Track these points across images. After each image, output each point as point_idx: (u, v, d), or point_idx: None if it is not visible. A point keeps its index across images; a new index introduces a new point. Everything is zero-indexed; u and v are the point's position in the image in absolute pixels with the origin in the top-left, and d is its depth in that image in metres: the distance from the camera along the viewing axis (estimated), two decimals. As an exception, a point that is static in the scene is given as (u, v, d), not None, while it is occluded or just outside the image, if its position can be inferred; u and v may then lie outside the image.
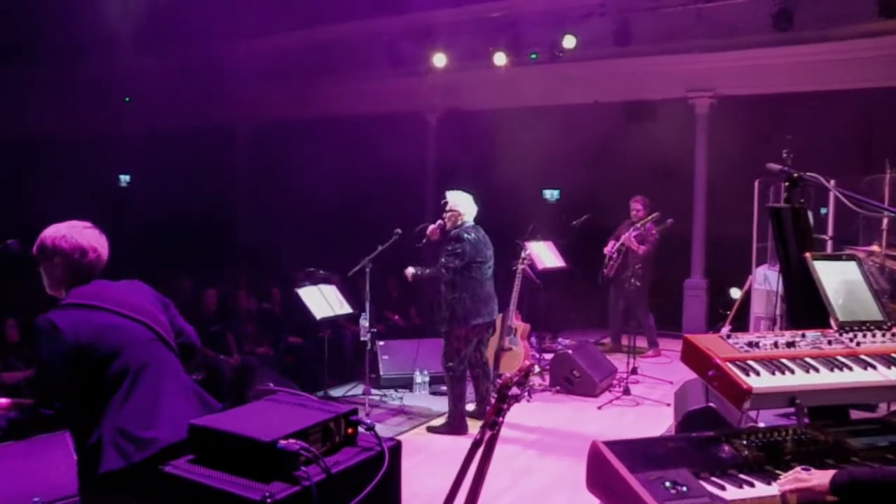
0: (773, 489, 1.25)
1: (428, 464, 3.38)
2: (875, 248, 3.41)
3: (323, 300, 4.49)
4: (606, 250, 5.61)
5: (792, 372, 1.44)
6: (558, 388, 4.62)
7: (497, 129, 6.92)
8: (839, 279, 1.65)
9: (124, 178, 10.20)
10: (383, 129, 7.54)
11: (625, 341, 5.52)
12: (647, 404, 4.38)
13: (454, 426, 3.76)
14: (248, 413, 1.48)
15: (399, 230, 4.05)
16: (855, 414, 1.59)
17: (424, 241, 3.92)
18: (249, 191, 9.38)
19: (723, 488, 1.26)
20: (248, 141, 9.50)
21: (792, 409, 1.39)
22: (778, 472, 1.30)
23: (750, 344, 1.53)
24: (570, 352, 4.72)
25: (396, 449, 1.49)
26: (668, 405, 4.12)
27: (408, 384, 4.73)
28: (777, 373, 1.43)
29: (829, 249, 3.81)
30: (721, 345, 1.51)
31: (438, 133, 8.15)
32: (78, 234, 1.74)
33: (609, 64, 6.73)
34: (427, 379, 4.72)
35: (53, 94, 8.06)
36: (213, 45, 7.79)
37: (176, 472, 1.31)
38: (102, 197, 7.69)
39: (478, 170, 6.81)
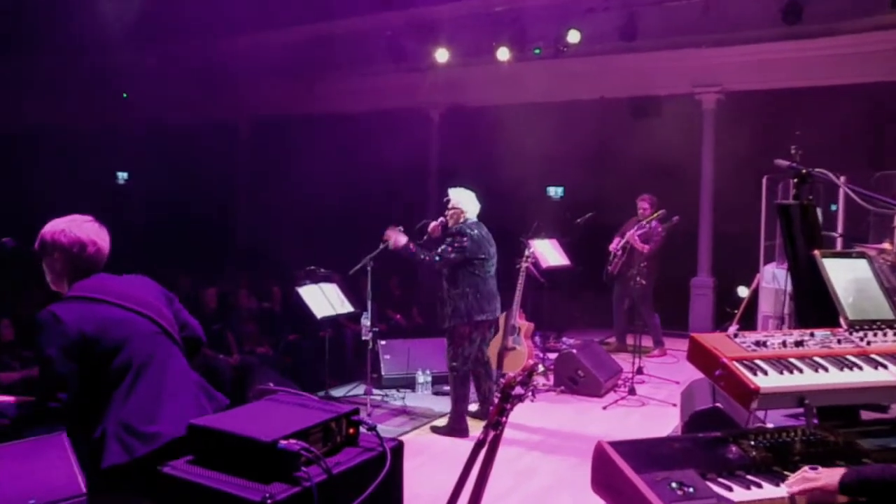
0: (782, 490, 1.25)
1: (430, 464, 3.38)
2: (886, 245, 3.39)
3: (324, 299, 4.50)
4: (611, 247, 5.60)
5: (800, 371, 1.43)
6: (562, 388, 4.62)
7: (500, 125, 6.90)
8: (849, 277, 1.64)
9: (122, 175, 10.19)
10: (385, 125, 7.53)
11: (630, 340, 5.52)
12: (653, 404, 4.38)
13: (455, 428, 3.77)
14: (248, 413, 1.48)
15: (401, 228, 4.04)
16: (865, 415, 1.58)
17: (426, 237, 3.91)
18: (250, 188, 9.39)
19: (730, 489, 1.25)
20: (249, 137, 9.52)
21: (801, 410, 1.38)
22: (786, 473, 1.29)
23: (757, 343, 1.52)
24: (574, 351, 4.72)
25: (398, 449, 1.49)
26: (675, 405, 4.13)
27: (410, 384, 4.74)
28: (785, 372, 1.43)
29: (838, 247, 3.79)
30: (728, 344, 1.51)
31: (441, 129, 8.14)
32: (77, 227, 1.75)
33: (614, 59, 6.71)
34: (429, 379, 4.72)
35: (49, 87, 8.02)
36: (213, 39, 7.79)
37: (175, 472, 1.32)
38: (100, 194, 7.69)
39: (481, 167, 6.80)
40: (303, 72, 8.19)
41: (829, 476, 1.20)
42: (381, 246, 3.88)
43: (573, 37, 6.39)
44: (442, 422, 3.95)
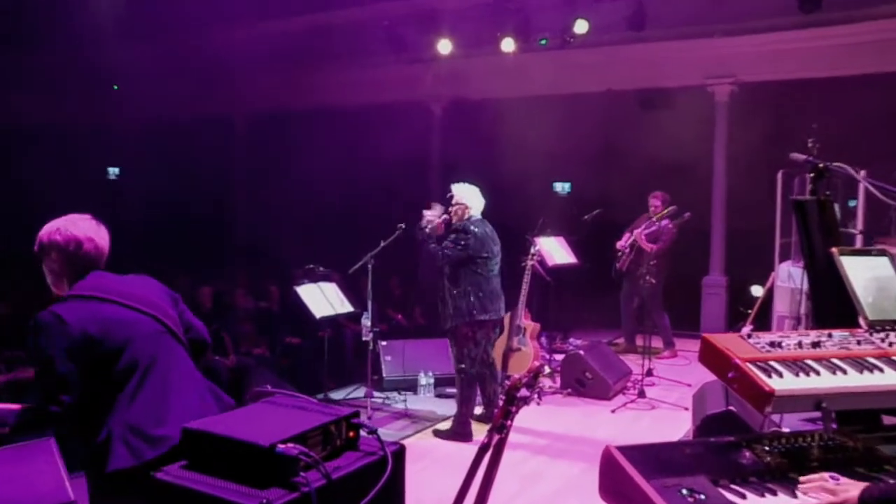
0: (798, 499, 1.24)
1: (433, 469, 3.39)
2: (908, 242, 3.37)
3: (323, 298, 4.50)
4: (619, 244, 5.58)
5: (817, 373, 1.42)
6: (569, 390, 4.62)
7: (505, 118, 6.89)
8: (869, 275, 1.63)
9: (113, 171, 10.15)
10: (386, 119, 7.53)
11: (639, 341, 5.51)
12: (664, 408, 4.37)
13: (458, 432, 3.77)
14: (244, 416, 1.48)
15: (402, 225, 4.05)
16: (887, 419, 1.57)
17: (429, 235, 3.90)
18: (246, 184, 9.41)
19: (743, 496, 1.25)
20: (246, 132, 9.53)
21: (818, 414, 1.37)
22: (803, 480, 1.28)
23: (772, 344, 1.51)
24: (581, 352, 4.72)
25: (400, 453, 1.48)
26: (686, 409, 4.11)
27: (412, 386, 4.74)
28: (801, 374, 1.41)
29: (858, 244, 3.76)
30: (741, 344, 1.50)
31: (443, 123, 8.13)
32: (72, 225, 1.76)
33: (623, 50, 6.68)
34: (432, 381, 4.73)
35: (40, 82, 8.02)
36: (207, 31, 7.79)
37: (168, 478, 1.32)
38: (90, 190, 7.68)
39: (484, 162, 6.79)
40: (300, 64, 8.19)
41: (846, 491, 1.19)
42: (397, 232, 3.88)
43: (580, 27, 6.36)
44: (445, 425, 3.94)
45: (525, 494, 3.13)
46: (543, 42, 6.72)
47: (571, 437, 3.91)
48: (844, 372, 1.43)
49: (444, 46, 6.97)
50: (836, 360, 1.46)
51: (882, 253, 1.70)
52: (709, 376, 1.82)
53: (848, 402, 1.41)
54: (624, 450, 1.30)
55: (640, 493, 1.21)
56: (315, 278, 4.78)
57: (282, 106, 8.62)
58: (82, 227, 1.76)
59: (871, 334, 1.55)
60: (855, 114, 5.44)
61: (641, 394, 4.49)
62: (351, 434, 1.45)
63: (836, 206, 1.85)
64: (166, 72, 7.76)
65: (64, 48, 7.45)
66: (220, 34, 7.91)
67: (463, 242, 3.66)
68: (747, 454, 1.33)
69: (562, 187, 7.77)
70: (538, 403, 4.28)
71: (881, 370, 1.44)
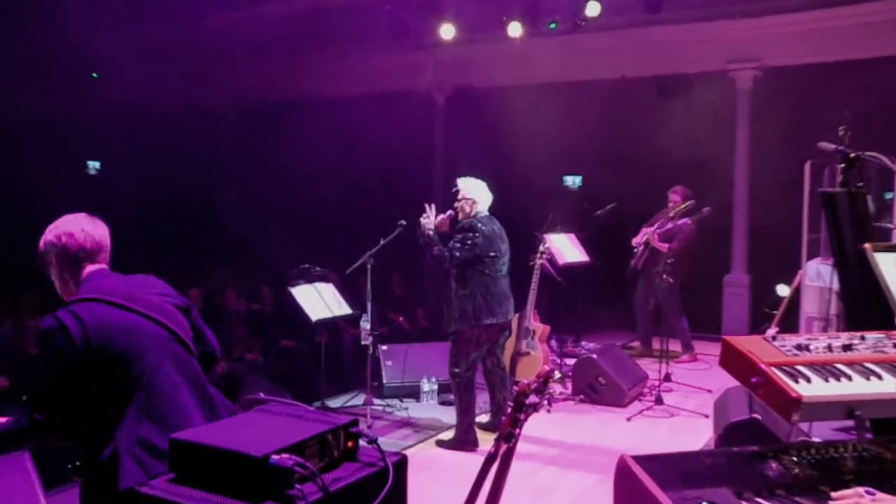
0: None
1: (437, 481, 3.39)
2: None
3: (319, 300, 4.51)
4: (634, 241, 5.56)
5: (849, 378, 1.40)
6: (582, 396, 4.62)
7: (512, 108, 6.87)
8: (904, 273, 1.61)
9: (93, 165, 10.13)
10: (385, 109, 7.52)
11: (656, 345, 5.49)
12: (683, 415, 4.36)
13: (463, 440, 3.77)
14: (236, 425, 1.49)
15: (403, 222, 4.05)
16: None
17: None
18: (237, 179, 9.42)
19: (769, 510, 1.24)
20: (236, 123, 9.54)
21: (851, 423, 1.35)
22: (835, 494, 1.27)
23: (799, 347, 1.50)
24: (594, 356, 4.71)
25: (402, 464, 1.48)
26: (707, 416, 4.11)
27: (414, 393, 4.75)
28: (832, 379, 1.40)
29: (894, 240, 3.73)
30: (766, 348, 1.48)
31: (447, 113, 8.12)
32: (64, 222, 1.77)
33: (638, 33, 6.64)
34: (435, 387, 4.73)
35: (6, 67, 7.76)
36: (194, 16, 7.78)
37: (155, 492, 1.32)
38: (68, 186, 7.66)
39: (490, 154, 6.78)
40: (294, 51, 8.19)
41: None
42: (398, 229, 3.88)
43: (592, 9, 6.33)
44: (449, 434, 3.95)
45: (535, 508, 3.14)
46: (553, 26, 6.70)
47: (584, 446, 3.91)
48: (879, 377, 1.42)
49: (447, 32, 6.95)
50: (869, 365, 1.45)
51: (919, 249, 1.69)
52: (731, 382, 1.81)
53: (883, 410, 1.40)
54: (640, 460, 1.29)
55: (658, 506, 1.20)
56: (311, 278, 4.79)
57: (274, 95, 8.62)
58: (73, 222, 1.77)
59: (906, 336, 1.54)
60: (890, 98, 5.38)
61: (659, 400, 4.49)
62: (350, 444, 1.44)
63: (870, 199, 1.83)
64: (149, 58, 7.69)
65: (37, 32, 7.37)
66: (209, 17, 7.90)
67: (470, 242, 3.65)
68: (774, 465, 1.32)
69: (572, 181, 7.76)
70: (548, 411, 4.20)
71: (918, 375, 1.43)
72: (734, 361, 1.47)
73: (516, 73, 7.09)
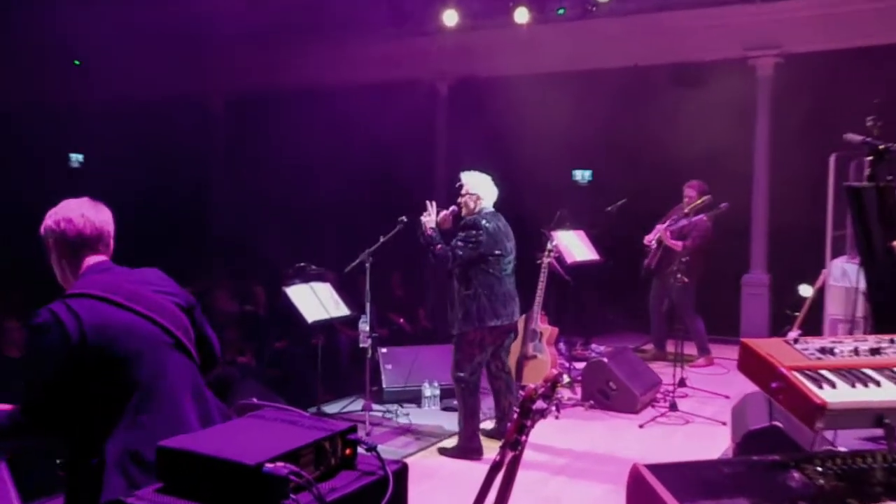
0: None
1: (439, 490, 3.39)
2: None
3: (315, 300, 4.52)
4: (647, 239, 5.55)
5: (877, 384, 1.40)
6: (592, 402, 4.62)
7: (518, 99, 6.86)
8: (935, 272, 1.60)
9: (76, 158, 10.09)
10: (385, 100, 7.52)
11: (670, 348, 5.48)
12: (699, 422, 4.35)
13: (465, 449, 3.77)
14: (227, 432, 1.48)
15: (404, 218, 4.05)
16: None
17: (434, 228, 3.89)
18: (228, 173, 9.42)
19: (792, 523, 1.23)
20: (226, 115, 9.55)
21: (880, 432, 1.34)
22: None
23: (823, 350, 1.49)
24: (605, 360, 4.71)
25: (402, 473, 1.48)
26: (724, 423, 4.10)
27: (415, 398, 4.75)
28: (858, 385, 1.40)
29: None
30: (787, 351, 1.48)
31: (450, 104, 8.12)
32: (62, 208, 1.76)
33: (651, 19, 6.62)
34: (437, 392, 4.74)
35: None
36: (181, 0, 7.75)
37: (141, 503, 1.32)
38: (50, 179, 7.66)
39: (496, 147, 6.77)
40: (288, 38, 8.18)
41: None
42: (399, 226, 3.88)
43: (603, -7, 6.32)
44: (452, 442, 3.95)
45: (542, 519, 3.14)
46: (561, 11, 6.68)
47: (594, 454, 3.91)
48: (908, 382, 1.41)
49: (450, 18, 6.94)
50: (897, 369, 1.44)
51: (951, 247, 1.67)
52: (750, 387, 1.81)
53: (913, 417, 1.39)
54: (654, 469, 1.29)
55: (672, 518, 1.20)
56: (306, 278, 4.80)
57: (267, 85, 8.62)
58: (72, 207, 1.76)
59: (938, 339, 1.53)
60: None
61: (673, 407, 4.48)
62: (347, 451, 1.44)
63: (899, 194, 1.82)
64: (135, 45, 7.62)
65: (14, 15, 7.35)
66: (198, 1, 7.89)
67: (474, 240, 3.65)
68: (796, 476, 1.31)
69: (582, 175, 7.74)
70: (556, 417, 4.28)
71: (950, 380, 1.42)
72: (753, 365, 1.47)
73: (523, 62, 7.08)
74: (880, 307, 1.74)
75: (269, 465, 1.26)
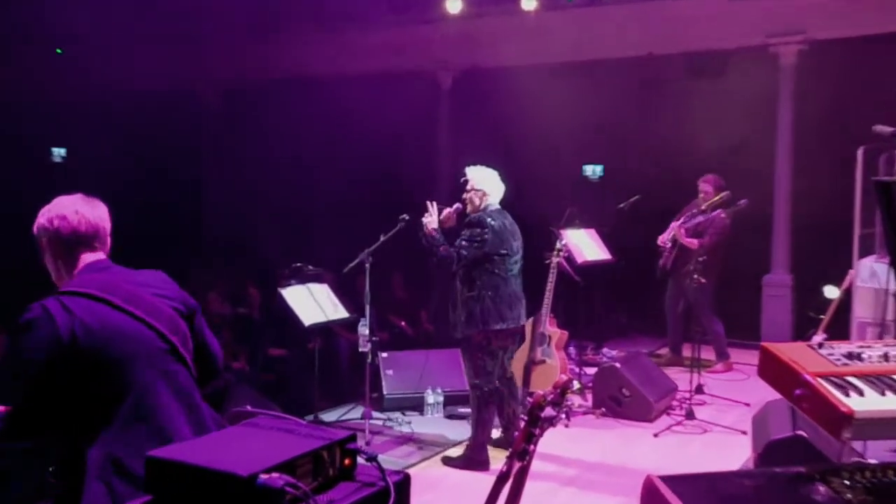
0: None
1: (443, 502, 3.40)
2: None
3: (312, 302, 4.53)
4: (660, 239, 5.53)
5: (907, 391, 1.38)
6: (603, 410, 4.61)
7: (525, 90, 6.85)
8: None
9: (59, 152, 10.06)
10: (385, 91, 7.53)
11: (687, 352, 5.47)
12: (717, 431, 4.34)
13: (473, 459, 3.77)
14: (219, 441, 1.48)
15: (406, 216, 4.05)
16: None
17: (437, 226, 3.89)
18: (221, 168, 9.44)
19: (817, 539, 1.22)
20: (217, 107, 9.57)
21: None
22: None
23: (850, 355, 1.49)
24: (617, 365, 4.70)
25: (404, 484, 1.48)
26: (744, 433, 4.09)
27: (417, 405, 4.75)
28: (889, 393, 1.39)
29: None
30: (811, 356, 1.47)
31: (453, 96, 8.12)
32: (55, 205, 1.77)
33: (665, 5, 6.60)
34: (441, 399, 4.74)
35: None
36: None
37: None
38: (29, 175, 7.64)
39: (502, 141, 6.77)
40: (284, 26, 8.20)
41: None
42: (400, 224, 3.87)
43: (615, -22, 6.30)
44: (456, 451, 3.95)
45: (551, 533, 3.14)
46: (571, -3, 6.68)
47: (606, 465, 3.90)
48: (941, 389, 1.40)
49: (454, 5, 6.95)
50: (930, 376, 1.43)
51: None
52: (772, 394, 1.80)
53: (946, 427, 1.38)
54: (669, 480, 1.28)
55: (690, 533, 1.20)
56: (303, 279, 4.80)
57: (263, 75, 8.64)
58: (66, 204, 1.76)
59: (972, 343, 1.52)
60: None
61: (690, 415, 4.47)
62: (346, 461, 1.44)
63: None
64: (122, 33, 7.63)
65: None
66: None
67: (479, 238, 3.65)
68: (822, 489, 1.31)
69: (592, 170, 7.73)
70: (566, 425, 4.27)
71: None
72: (775, 371, 1.46)
73: (530, 51, 7.07)
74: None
75: (263, 477, 1.26)
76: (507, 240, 3.75)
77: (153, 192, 8.18)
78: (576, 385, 4.89)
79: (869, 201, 4.38)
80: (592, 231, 5.47)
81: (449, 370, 4.76)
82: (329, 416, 4.65)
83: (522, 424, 1.70)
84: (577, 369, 5.21)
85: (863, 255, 4.67)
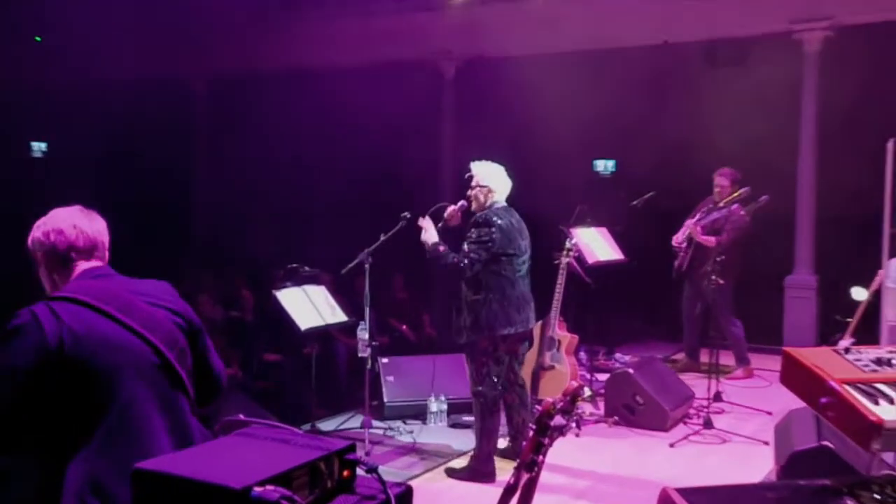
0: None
1: (446, 517, 3.41)
2: None
3: (309, 305, 4.53)
4: (675, 239, 5.51)
5: (941, 399, 1.38)
6: (616, 418, 4.61)
7: (533, 81, 6.84)
8: None
9: (39, 147, 10.07)
10: (385, 82, 7.54)
11: (704, 357, 5.46)
12: (737, 441, 4.34)
13: (478, 470, 3.77)
14: (211, 452, 1.49)
15: (407, 214, 4.05)
16: None
17: (441, 225, 3.90)
18: (211, 163, 9.47)
19: (844, 555, 1.22)
20: (209, 99, 9.59)
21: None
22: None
23: (879, 361, 1.48)
24: (630, 371, 4.69)
25: (406, 496, 1.48)
26: (766, 443, 4.08)
27: (420, 414, 4.76)
28: (919, 400, 1.38)
29: None
30: (837, 362, 1.47)
31: (457, 87, 8.12)
32: (51, 218, 1.78)
33: (683, -10, 6.58)
34: (444, 407, 4.74)
35: None
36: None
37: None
38: (7, 170, 7.63)
39: (508, 135, 6.77)
40: (275, 13, 8.20)
41: None
42: (401, 222, 3.88)
43: (628, -39, 6.29)
44: (461, 462, 3.95)
45: (562, 549, 3.14)
46: (581, -18, 6.67)
47: (619, 477, 3.90)
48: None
49: (457, -11, 6.95)
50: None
51: None
52: (795, 402, 1.79)
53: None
54: (686, 493, 1.28)
55: (709, 549, 1.20)
56: (299, 280, 4.81)
57: (253, 66, 8.65)
58: (64, 216, 1.78)
59: None
60: None
61: (708, 424, 4.46)
62: (345, 473, 1.44)
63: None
64: (105, 21, 7.59)
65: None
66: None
67: (486, 238, 3.64)
68: (848, 502, 1.30)
69: (604, 166, 7.73)
70: (577, 435, 4.27)
71: None
72: (799, 378, 1.46)
73: (538, 40, 7.07)
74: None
75: (257, 490, 1.26)
76: (514, 239, 3.74)
77: (140, 188, 8.19)
78: (587, 392, 4.88)
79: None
80: (604, 230, 5.47)
81: (453, 376, 4.76)
82: (327, 426, 4.65)
83: (531, 434, 1.70)
84: (587, 375, 5.21)
85: (893, 254, 4.65)
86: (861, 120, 5.61)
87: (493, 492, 1.84)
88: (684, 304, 5.86)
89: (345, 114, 7.64)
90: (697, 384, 4.99)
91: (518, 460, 1.70)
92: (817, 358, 1.47)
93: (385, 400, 4.83)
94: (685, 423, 4.62)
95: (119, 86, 8.23)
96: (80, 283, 1.72)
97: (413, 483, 3.79)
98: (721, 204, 5.34)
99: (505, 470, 3.71)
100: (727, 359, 5.50)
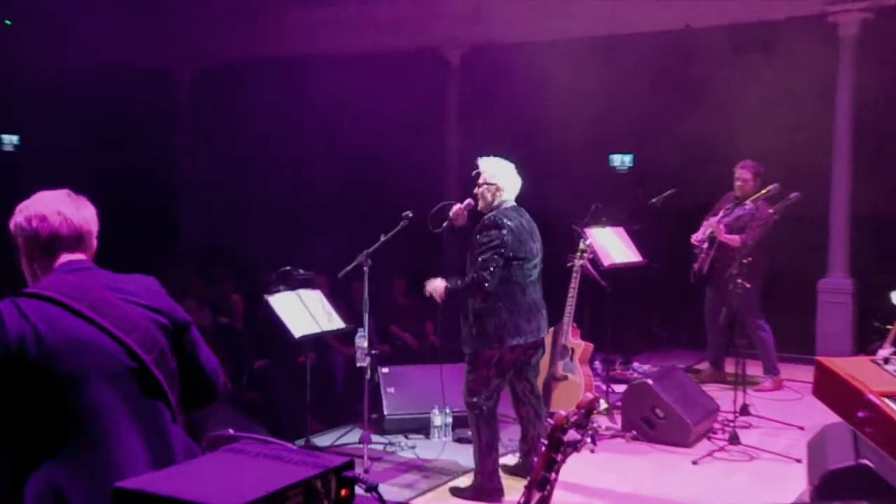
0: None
1: (451, 540, 3.41)
2: None
3: (304, 311, 4.55)
4: (693, 239, 5.48)
5: None
6: (634, 433, 4.60)
7: (544, 70, 6.84)
8: None
9: (9, 140, 10.05)
10: (386, 72, 7.56)
11: (730, 367, 5.45)
12: (766, 458, 4.32)
13: (483, 489, 3.77)
14: (198, 470, 1.49)
15: (409, 213, 4.06)
16: None
17: (445, 225, 3.91)
18: (197, 159, 9.49)
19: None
20: (193, 88, 9.60)
21: None
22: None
23: (921, 372, 1.47)
24: (650, 382, 4.69)
25: (407, 519, 1.48)
26: (798, 461, 4.07)
27: (423, 427, 4.76)
28: (964, 414, 1.37)
29: None
30: (875, 373, 1.47)
31: (463, 77, 8.13)
32: (35, 202, 1.77)
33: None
34: (449, 420, 4.75)
35: None
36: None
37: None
38: None
39: (518, 128, 6.78)
40: (270, -1, 8.22)
41: None
42: (403, 222, 3.88)
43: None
44: (467, 480, 3.95)
45: (576, 575, 3.14)
46: (596, -37, 6.67)
47: (638, 496, 3.89)
48: None
49: (463, -28, 6.96)
50: None
51: None
52: (830, 416, 1.79)
53: None
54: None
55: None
56: (293, 284, 4.83)
57: (244, 52, 8.68)
58: (49, 201, 1.77)
59: None
60: None
61: (734, 439, 4.46)
62: (343, 492, 1.44)
63: None
64: (83, 3, 7.56)
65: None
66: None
67: (497, 241, 3.63)
68: (888, 524, 1.30)
69: (621, 161, 7.73)
70: (592, 451, 4.21)
71: None
72: (833, 390, 1.46)
73: (550, 25, 7.07)
74: None
75: (248, 509, 1.27)
76: (525, 242, 3.74)
77: (121, 184, 8.18)
78: (602, 405, 4.88)
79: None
80: (621, 230, 5.47)
81: (458, 388, 4.73)
82: (323, 440, 4.66)
83: (543, 449, 1.70)
84: (603, 386, 5.20)
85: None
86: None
87: (502, 512, 1.84)
88: (707, 310, 5.83)
89: (343, 105, 7.66)
90: (722, 396, 4.98)
91: (529, 478, 1.70)
92: (854, 368, 1.47)
93: (385, 413, 4.83)
94: (709, 438, 4.61)
95: (98, 74, 8.20)
96: (54, 278, 1.72)
97: (415, 502, 3.80)
98: (747, 202, 5.30)
99: (515, 488, 3.71)
100: (755, 369, 5.49)
